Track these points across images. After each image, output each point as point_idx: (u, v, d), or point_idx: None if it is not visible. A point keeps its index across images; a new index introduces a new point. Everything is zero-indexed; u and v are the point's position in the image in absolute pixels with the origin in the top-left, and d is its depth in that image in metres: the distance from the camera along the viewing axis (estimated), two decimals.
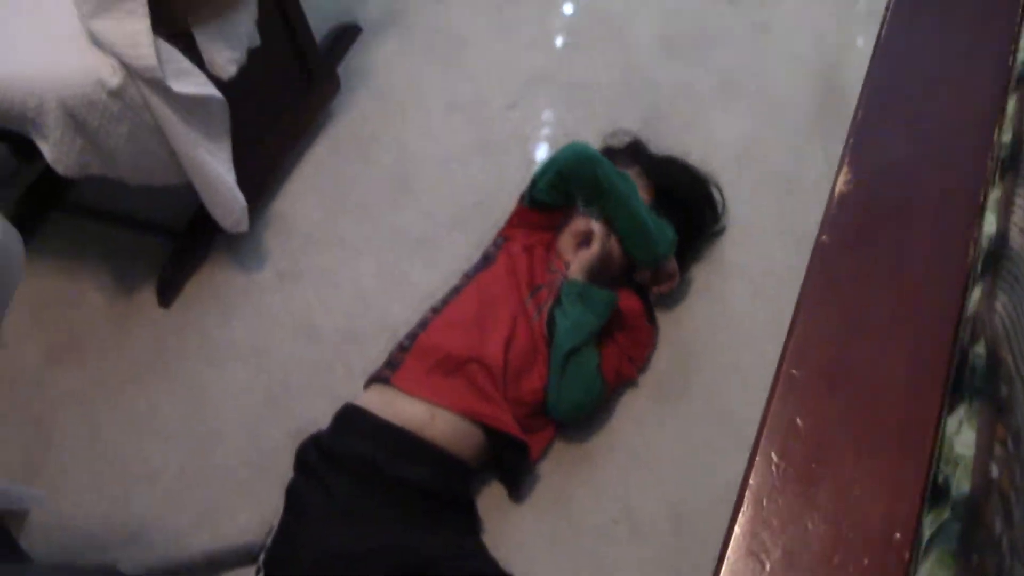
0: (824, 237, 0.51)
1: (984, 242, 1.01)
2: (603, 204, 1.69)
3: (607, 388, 1.63)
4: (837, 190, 0.53)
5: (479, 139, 2.25)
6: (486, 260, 1.76)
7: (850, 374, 0.46)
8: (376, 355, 1.78)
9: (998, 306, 0.96)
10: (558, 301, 1.63)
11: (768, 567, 0.40)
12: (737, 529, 0.42)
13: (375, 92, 2.41)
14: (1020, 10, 0.57)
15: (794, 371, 0.47)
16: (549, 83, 2.34)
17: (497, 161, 2.17)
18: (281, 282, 2.06)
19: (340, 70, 2.41)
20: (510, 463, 1.60)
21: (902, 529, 0.40)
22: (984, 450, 0.85)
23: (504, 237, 1.78)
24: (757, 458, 0.45)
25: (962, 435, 0.89)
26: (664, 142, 2.06)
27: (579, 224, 1.72)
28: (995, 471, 0.85)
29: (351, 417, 1.60)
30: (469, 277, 1.74)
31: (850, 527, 0.41)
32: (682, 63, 2.31)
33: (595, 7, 2.49)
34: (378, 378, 1.65)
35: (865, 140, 0.55)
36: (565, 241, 1.74)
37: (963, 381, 0.93)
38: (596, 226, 1.69)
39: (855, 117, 0.57)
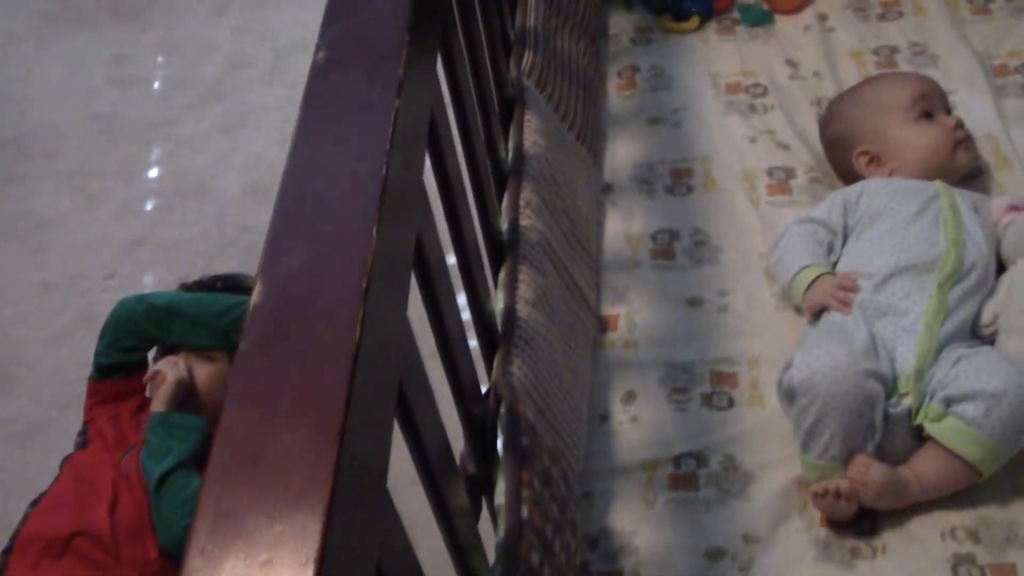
0: (242, 344, 0.59)
1: (498, 317, 1.16)
2: (172, 330, 1.71)
3: None
4: (252, 302, 0.61)
5: (80, 314, 2.20)
6: (78, 445, 1.72)
7: (264, 452, 0.53)
8: None
9: (514, 369, 1.10)
10: (144, 441, 1.61)
11: None
12: None
13: None
14: (391, 133, 0.69)
15: (219, 461, 0.54)
16: (145, 247, 2.35)
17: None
18: None
19: None
20: None
21: (308, 553, 0.48)
22: (513, 496, 0.97)
23: (86, 422, 1.75)
24: (190, 550, 0.51)
25: (498, 487, 1.00)
26: None
27: (151, 373, 1.72)
28: (525, 512, 0.96)
29: None
30: (63, 464, 1.69)
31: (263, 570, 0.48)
32: (272, 207, 2.40)
33: (179, 167, 2.54)
34: None
35: (274, 256, 0.64)
36: (152, 395, 1.73)
37: (494, 443, 1.05)
38: (162, 363, 1.70)
39: (266, 238, 0.66)
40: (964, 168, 1.44)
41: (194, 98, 2.70)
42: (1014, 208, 1.35)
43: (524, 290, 1.15)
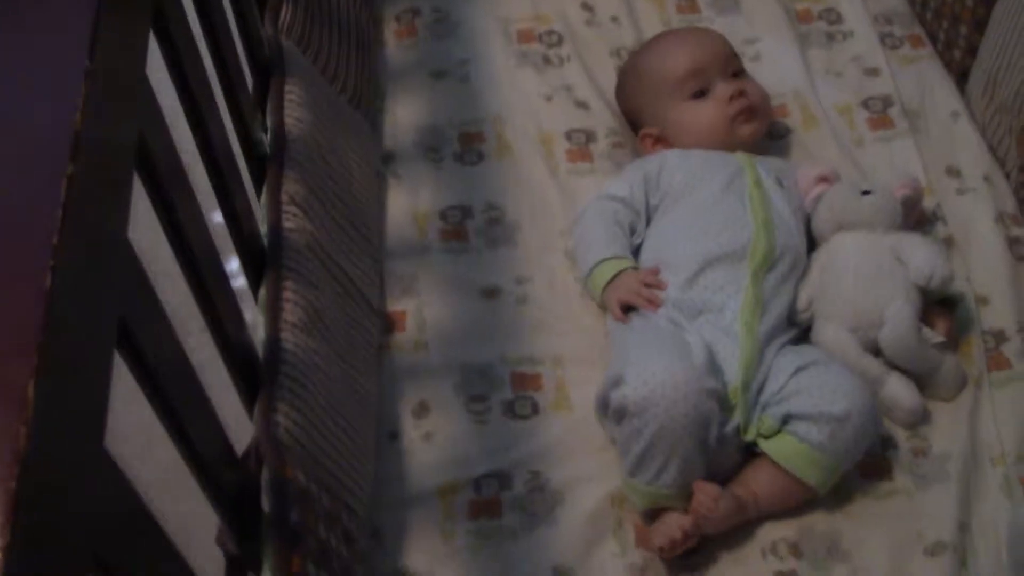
0: None
1: (260, 351, 0.96)
2: None
3: None
4: None
5: None
6: None
7: None
8: None
9: (280, 418, 0.91)
10: None
11: None
12: None
13: None
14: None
15: None
16: None
17: None
18: None
19: None
20: None
21: None
22: None
23: None
24: None
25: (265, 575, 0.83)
26: None
27: None
28: None
29: None
30: None
31: None
32: None
33: None
34: None
35: None
36: None
37: (258, 516, 0.87)
38: None
39: None
40: (750, 139, 1.30)
41: None
42: (823, 179, 1.25)
43: (291, 312, 0.96)
